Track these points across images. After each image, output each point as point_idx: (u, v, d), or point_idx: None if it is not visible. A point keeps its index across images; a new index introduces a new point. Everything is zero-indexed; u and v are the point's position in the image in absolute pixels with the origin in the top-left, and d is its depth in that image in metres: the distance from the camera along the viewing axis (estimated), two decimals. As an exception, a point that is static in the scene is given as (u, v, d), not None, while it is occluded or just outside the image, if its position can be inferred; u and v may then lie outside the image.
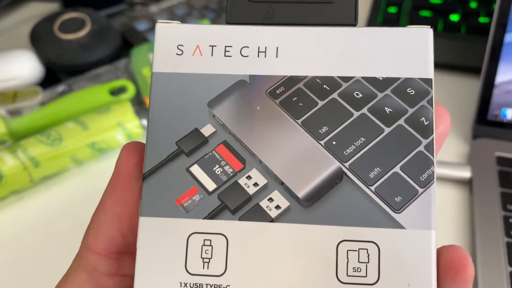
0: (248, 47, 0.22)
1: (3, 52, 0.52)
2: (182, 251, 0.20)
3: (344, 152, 0.21)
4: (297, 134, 0.21)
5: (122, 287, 0.22)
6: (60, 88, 0.50)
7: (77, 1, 0.58)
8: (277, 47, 0.22)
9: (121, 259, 0.22)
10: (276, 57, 0.22)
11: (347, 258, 0.20)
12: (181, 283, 0.20)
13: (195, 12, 0.59)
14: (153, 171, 0.21)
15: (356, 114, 0.21)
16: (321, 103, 0.21)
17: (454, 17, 0.54)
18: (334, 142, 0.21)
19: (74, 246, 0.23)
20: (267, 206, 0.20)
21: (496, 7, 0.42)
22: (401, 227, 0.20)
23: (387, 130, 0.21)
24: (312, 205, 0.20)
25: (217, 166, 0.21)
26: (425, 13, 0.54)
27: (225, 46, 0.22)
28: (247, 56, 0.22)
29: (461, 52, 0.52)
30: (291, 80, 0.21)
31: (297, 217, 0.20)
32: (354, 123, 0.21)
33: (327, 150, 0.21)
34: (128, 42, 0.55)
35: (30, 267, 0.40)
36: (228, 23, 0.22)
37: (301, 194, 0.20)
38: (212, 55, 0.22)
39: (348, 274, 0.20)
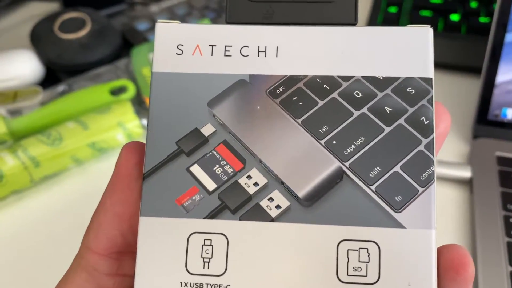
0: (248, 47, 0.22)
1: (3, 52, 0.52)
2: (182, 251, 0.20)
3: (344, 152, 0.21)
4: (297, 134, 0.21)
5: (122, 287, 0.22)
6: (60, 88, 0.50)
7: (77, 1, 0.58)
8: (277, 47, 0.22)
9: (121, 259, 0.22)
10: (276, 56, 0.22)
11: (348, 258, 0.20)
12: (181, 283, 0.20)
13: (195, 12, 0.59)
14: (153, 171, 0.21)
15: (356, 113, 0.21)
16: (321, 103, 0.21)
17: (455, 17, 0.54)
18: (334, 142, 0.21)
19: (74, 246, 0.23)
20: (267, 206, 0.20)
21: (497, 7, 0.42)
22: (401, 226, 0.20)
23: (387, 129, 0.21)
24: (312, 205, 0.20)
25: (217, 165, 0.21)
26: (426, 13, 0.54)
27: (225, 46, 0.22)
28: (247, 55, 0.22)
29: (462, 52, 0.52)
30: (291, 80, 0.21)
31: (297, 216, 0.20)
32: (354, 123, 0.21)
33: (327, 150, 0.21)
34: (128, 42, 0.55)
35: (30, 267, 0.40)
36: (228, 22, 0.22)
37: (301, 193, 0.20)
38: (212, 55, 0.22)
39: (349, 274, 0.20)
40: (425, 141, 0.21)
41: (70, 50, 0.51)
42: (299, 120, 0.21)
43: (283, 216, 0.20)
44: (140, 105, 0.49)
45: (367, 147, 0.21)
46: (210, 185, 0.21)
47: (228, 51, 0.22)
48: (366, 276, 0.19)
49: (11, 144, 0.44)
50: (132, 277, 0.20)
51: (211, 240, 0.20)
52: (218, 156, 0.21)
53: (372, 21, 0.55)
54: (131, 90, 0.49)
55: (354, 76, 0.21)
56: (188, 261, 0.20)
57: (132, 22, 0.57)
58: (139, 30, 0.56)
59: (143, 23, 0.57)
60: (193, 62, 0.22)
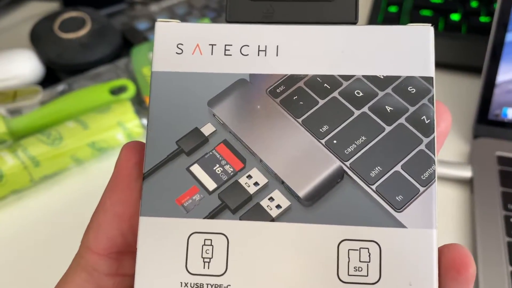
0: (248, 46, 0.22)
1: (3, 52, 0.52)
2: (182, 251, 0.20)
3: (345, 151, 0.21)
4: (298, 133, 0.21)
5: (122, 287, 0.22)
6: (60, 87, 0.50)
7: (77, 0, 0.58)
8: (277, 46, 0.21)
9: (121, 259, 0.22)
10: (276, 55, 0.21)
11: (348, 258, 0.20)
12: (181, 283, 0.20)
13: (196, 11, 0.59)
14: (153, 170, 0.21)
15: (357, 112, 0.21)
16: (321, 102, 0.21)
17: (455, 17, 0.54)
18: (334, 141, 0.21)
19: (74, 246, 0.23)
20: (267, 206, 0.20)
21: (497, 6, 0.42)
22: (402, 226, 0.20)
23: (388, 128, 0.21)
24: (313, 205, 0.20)
25: (218, 165, 0.21)
26: (426, 13, 0.54)
27: (225, 45, 0.22)
28: (247, 55, 0.22)
29: (462, 52, 0.52)
30: (292, 79, 0.21)
31: (298, 216, 0.20)
32: (355, 122, 0.21)
33: (328, 149, 0.21)
34: (128, 42, 0.55)
35: (30, 267, 0.40)
36: (228, 21, 0.22)
37: (302, 193, 0.20)
38: (212, 54, 0.22)
39: (349, 274, 0.19)
40: (426, 140, 0.20)
41: (70, 50, 0.51)
42: (300, 120, 0.21)
43: (284, 216, 0.20)
44: (140, 104, 0.49)
45: (367, 146, 0.21)
46: (210, 184, 0.21)
47: (228, 50, 0.22)
48: (367, 276, 0.19)
49: (11, 144, 0.44)
50: (132, 277, 0.20)
51: (211, 240, 0.20)
52: (218, 156, 0.21)
53: (373, 21, 0.55)
54: (131, 90, 0.49)
55: (354, 75, 0.21)
56: (188, 261, 0.20)
57: (132, 21, 0.57)
58: (139, 29, 0.56)
59: (143, 22, 0.57)
60: (193, 61, 0.22)
